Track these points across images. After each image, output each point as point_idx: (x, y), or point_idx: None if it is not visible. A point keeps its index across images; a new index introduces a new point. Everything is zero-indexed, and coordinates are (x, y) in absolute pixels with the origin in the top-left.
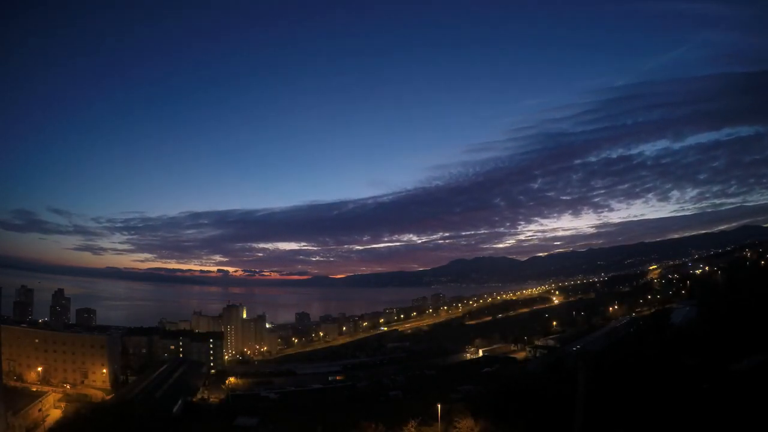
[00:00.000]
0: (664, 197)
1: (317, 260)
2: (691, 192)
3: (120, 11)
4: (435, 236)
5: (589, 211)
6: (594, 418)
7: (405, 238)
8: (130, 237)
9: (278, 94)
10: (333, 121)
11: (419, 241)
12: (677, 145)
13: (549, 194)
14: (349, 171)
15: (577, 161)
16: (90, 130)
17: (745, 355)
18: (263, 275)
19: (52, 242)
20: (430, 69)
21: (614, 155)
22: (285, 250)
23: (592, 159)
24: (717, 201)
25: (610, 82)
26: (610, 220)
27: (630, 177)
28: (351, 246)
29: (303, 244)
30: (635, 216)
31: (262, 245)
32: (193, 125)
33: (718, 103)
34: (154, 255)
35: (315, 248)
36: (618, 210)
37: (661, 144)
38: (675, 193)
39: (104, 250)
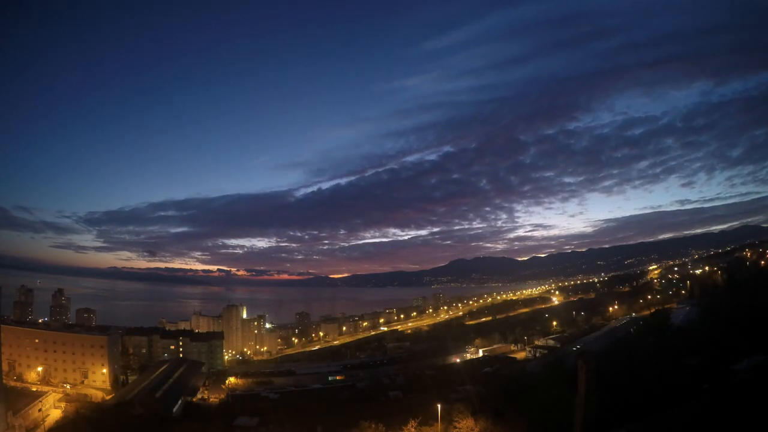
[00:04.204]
0: (688, 182)
1: (302, 258)
2: (719, 176)
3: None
4: (423, 231)
5: (601, 196)
6: (594, 418)
7: (390, 233)
8: (100, 233)
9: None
10: (259, 96)
11: (406, 237)
12: (716, 95)
13: (547, 174)
14: (289, 147)
15: (581, 121)
16: (34, 119)
17: (746, 354)
18: (270, 275)
19: (28, 239)
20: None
21: (635, 112)
22: (262, 247)
23: (605, 118)
24: (744, 189)
25: None
26: (624, 214)
27: (651, 149)
28: (335, 242)
29: (275, 239)
30: (652, 207)
31: (234, 241)
32: (139, 112)
33: None
34: (136, 254)
35: (293, 245)
36: (633, 199)
37: (697, 89)
38: (701, 176)
39: (85, 248)
